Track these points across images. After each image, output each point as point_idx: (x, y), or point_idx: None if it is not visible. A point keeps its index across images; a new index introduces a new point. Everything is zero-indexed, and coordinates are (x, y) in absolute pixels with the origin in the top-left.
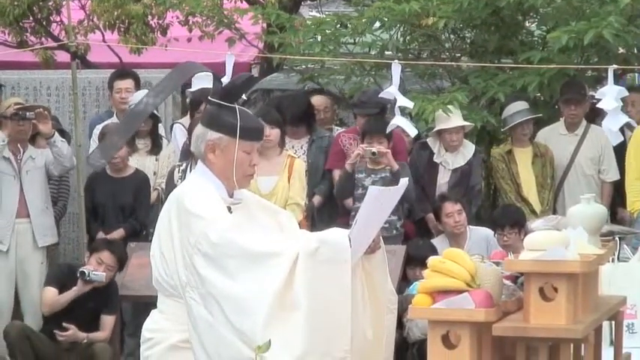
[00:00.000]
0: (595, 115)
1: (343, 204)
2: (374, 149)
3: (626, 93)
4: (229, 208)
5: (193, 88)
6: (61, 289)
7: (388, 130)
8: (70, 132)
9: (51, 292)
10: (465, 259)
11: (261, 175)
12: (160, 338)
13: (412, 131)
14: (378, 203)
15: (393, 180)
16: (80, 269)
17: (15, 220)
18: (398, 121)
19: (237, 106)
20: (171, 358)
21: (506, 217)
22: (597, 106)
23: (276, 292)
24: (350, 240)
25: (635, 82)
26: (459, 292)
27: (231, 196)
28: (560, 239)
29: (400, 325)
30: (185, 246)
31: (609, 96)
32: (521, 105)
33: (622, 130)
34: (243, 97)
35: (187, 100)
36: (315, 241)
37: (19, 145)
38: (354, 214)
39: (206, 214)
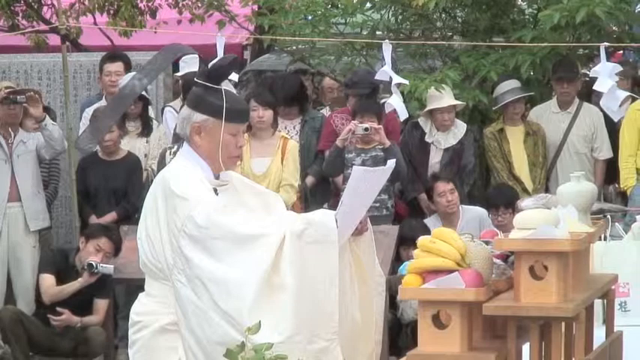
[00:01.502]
0: (589, 93)
1: (336, 184)
2: (366, 125)
3: (620, 68)
4: (215, 190)
5: (181, 72)
6: (57, 275)
7: (387, 110)
8: (61, 115)
9: (49, 279)
10: (454, 238)
11: (255, 157)
12: (148, 321)
13: (403, 114)
14: (363, 184)
15: (385, 158)
16: (87, 262)
17: (6, 205)
18: (393, 101)
19: (223, 88)
20: (159, 341)
21: (500, 197)
22: (593, 87)
23: (262, 274)
24: (336, 221)
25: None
26: (449, 271)
27: (217, 177)
28: (550, 217)
29: (394, 306)
30: (172, 229)
31: (603, 75)
32: (512, 83)
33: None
34: (235, 78)
35: (178, 82)
36: (301, 222)
37: (9, 129)
38: (342, 194)
39: (192, 197)
